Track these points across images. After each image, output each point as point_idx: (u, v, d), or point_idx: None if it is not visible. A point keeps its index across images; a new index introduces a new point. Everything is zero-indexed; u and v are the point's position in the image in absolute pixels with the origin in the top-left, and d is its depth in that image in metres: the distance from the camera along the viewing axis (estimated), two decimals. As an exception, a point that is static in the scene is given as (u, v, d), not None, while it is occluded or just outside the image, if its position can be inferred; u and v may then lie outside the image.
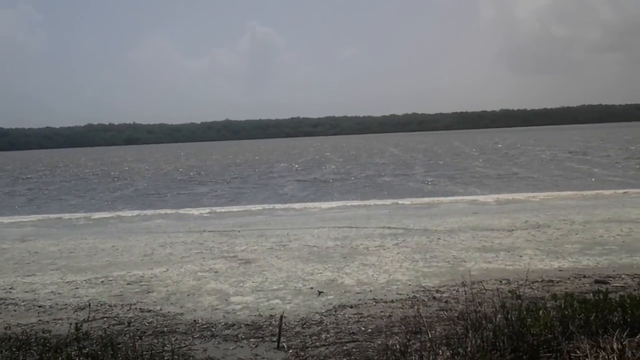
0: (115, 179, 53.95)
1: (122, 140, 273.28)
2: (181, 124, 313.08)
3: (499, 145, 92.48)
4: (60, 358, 5.62)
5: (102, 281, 10.61)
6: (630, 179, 33.92)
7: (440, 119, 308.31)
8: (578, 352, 5.02)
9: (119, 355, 5.72)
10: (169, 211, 26.61)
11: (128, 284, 10.32)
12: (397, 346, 5.73)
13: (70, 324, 7.22)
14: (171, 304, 8.77)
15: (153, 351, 6.26)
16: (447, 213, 20.16)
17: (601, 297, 6.10)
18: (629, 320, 5.78)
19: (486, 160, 57.35)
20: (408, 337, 6.23)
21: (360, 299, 8.48)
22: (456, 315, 7.10)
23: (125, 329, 7.45)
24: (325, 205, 26.79)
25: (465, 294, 7.70)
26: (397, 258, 11.48)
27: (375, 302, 8.29)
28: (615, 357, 4.71)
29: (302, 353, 6.18)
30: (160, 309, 8.46)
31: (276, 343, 6.52)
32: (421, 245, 12.77)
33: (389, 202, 26.90)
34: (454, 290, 8.70)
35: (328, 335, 6.79)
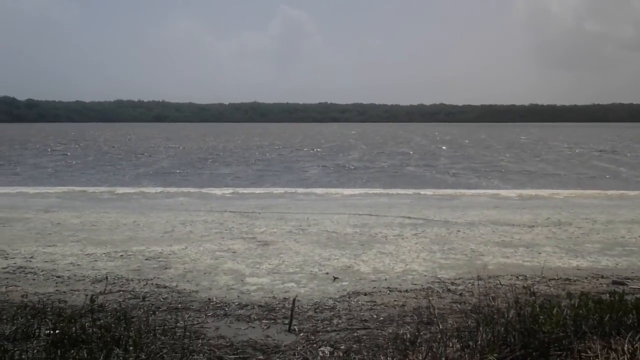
0: (140, 156, 54.36)
1: (151, 117, 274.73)
2: (209, 104, 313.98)
3: (526, 140, 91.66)
4: (73, 328, 5.68)
5: (121, 255, 10.72)
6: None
7: (469, 110, 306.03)
8: (589, 352, 4.98)
9: (132, 328, 5.78)
10: (192, 190, 26.77)
11: (146, 259, 10.41)
12: (407, 335, 5.74)
13: (87, 296, 7.29)
14: (187, 281, 8.84)
15: (165, 326, 6.33)
16: (468, 206, 20.05)
17: (617, 298, 6.04)
18: (643, 323, 5.72)
19: (512, 155, 56.90)
20: (419, 327, 6.22)
21: (374, 287, 8.48)
22: (469, 308, 7.08)
23: (140, 304, 7.53)
24: (347, 191, 26.81)
25: (480, 287, 7.66)
26: (414, 248, 11.45)
27: (390, 290, 8.28)
28: (626, 359, 4.67)
29: (313, 337, 6.20)
30: (176, 286, 8.53)
31: (288, 326, 6.55)
32: (440, 237, 12.73)
33: (411, 192, 26.81)
34: (469, 283, 8.66)
35: (340, 321, 6.81)
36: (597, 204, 20.84)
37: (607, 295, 6.27)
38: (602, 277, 9.16)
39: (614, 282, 8.69)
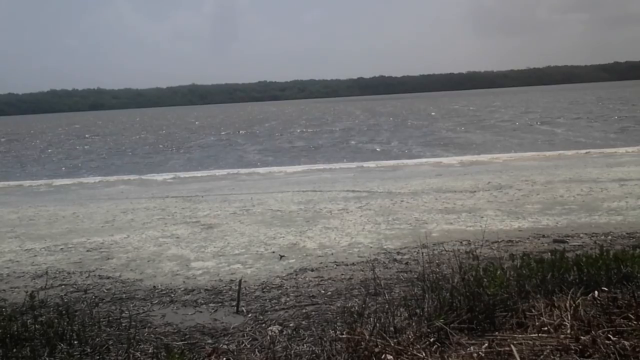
0: (78, 147, 53.15)
1: (87, 106, 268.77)
2: (146, 89, 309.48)
3: (470, 108, 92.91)
4: (15, 326, 5.50)
5: (62, 248, 10.45)
6: (592, 139, 34.35)
7: (408, 81, 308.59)
8: (533, 310, 5.05)
9: (75, 322, 5.65)
10: (131, 177, 26.33)
11: (88, 250, 10.17)
12: (355, 308, 5.74)
13: (27, 292, 7.09)
14: (131, 270, 8.67)
15: (110, 318, 6.20)
16: (411, 175, 20.22)
17: (558, 256, 6.15)
18: (584, 278, 5.84)
19: (451, 123, 57.60)
20: (366, 299, 6.23)
21: (321, 263, 8.46)
22: (415, 276, 7.12)
23: (83, 296, 7.35)
24: (290, 169, 26.74)
25: (425, 255, 7.72)
26: (359, 221, 11.48)
27: (336, 265, 8.28)
28: (569, 315, 4.75)
29: (261, 317, 6.15)
30: (120, 276, 8.36)
31: (235, 307, 6.48)
32: (384, 208, 12.79)
33: (353, 165, 26.93)
34: (414, 252, 8.71)
35: (288, 299, 6.77)
36: (536, 165, 21.28)
37: (549, 254, 6.39)
38: (543, 236, 9.34)
39: (555, 241, 8.87)
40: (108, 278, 8.26)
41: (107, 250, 10.13)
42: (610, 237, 9.01)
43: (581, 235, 9.27)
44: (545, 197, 13.01)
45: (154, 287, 7.68)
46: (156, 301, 7.03)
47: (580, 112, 62.37)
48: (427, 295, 5.44)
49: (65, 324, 5.53)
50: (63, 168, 34.07)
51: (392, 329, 4.85)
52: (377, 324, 4.84)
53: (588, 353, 4.15)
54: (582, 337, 4.35)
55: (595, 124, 46.27)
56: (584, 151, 27.18)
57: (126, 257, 9.53)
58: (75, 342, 5.30)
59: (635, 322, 4.54)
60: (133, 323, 5.89)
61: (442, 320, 4.85)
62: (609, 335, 4.36)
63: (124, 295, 7.35)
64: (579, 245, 8.51)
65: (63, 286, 7.93)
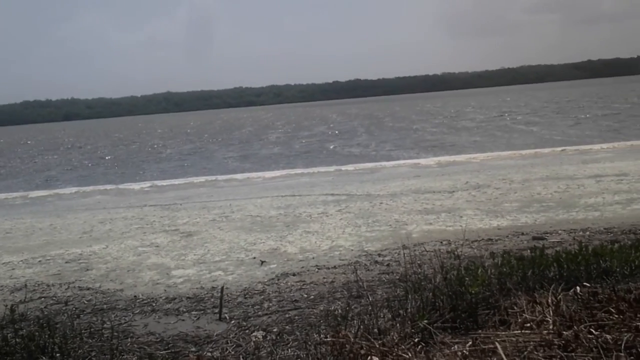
0: (52, 158, 52.64)
1: (61, 116, 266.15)
2: (121, 98, 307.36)
3: (446, 109, 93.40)
4: (-6, 341, 5.42)
5: (40, 261, 10.33)
6: (568, 136, 34.70)
7: (383, 84, 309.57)
8: (515, 307, 5.08)
9: (57, 334, 5.57)
10: (108, 187, 26.15)
11: (66, 262, 10.06)
12: (339, 311, 5.74)
13: (6, 306, 6.99)
14: (111, 280, 8.59)
15: (92, 329, 6.14)
16: (389, 177, 20.29)
17: (538, 253, 6.20)
18: (564, 274, 5.90)
19: (428, 125, 57.86)
20: (349, 301, 6.24)
21: (303, 267, 8.45)
22: (397, 277, 7.14)
23: (64, 308, 7.26)
24: (268, 174, 26.71)
25: (406, 256, 7.73)
26: (339, 224, 11.48)
27: (318, 269, 8.27)
28: (550, 311, 4.78)
29: (244, 323, 6.12)
30: (100, 287, 8.28)
31: (218, 315, 6.45)
32: (364, 211, 12.81)
33: (332, 169, 26.97)
34: (395, 253, 8.73)
35: (270, 304, 6.75)
36: (512, 164, 21.45)
37: (528, 251, 6.45)
38: (522, 234, 9.41)
39: (534, 238, 8.94)
40: (88, 289, 8.18)
41: (86, 261, 10.03)
42: (588, 232, 9.10)
43: (560, 231, 9.36)
44: (523, 195, 13.11)
45: (135, 296, 7.62)
46: (138, 311, 6.97)
47: (555, 111, 62.97)
48: (409, 296, 5.44)
49: (46, 336, 5.44)
50: (38, 180, 33.68)
51: (376, 330, 4.84)
52: (361, 326, 4.84)
53: (571, 348, 4.18)
54: (564, 332, 4.38)
55: (570, 121, 46.74)
56: (559, 149, 27.45)
57: (105, 267, 9.44)
58: (58, 354, 5.22)
59: (616, 316, 4.59)
60: (115, 334, 5.82)
61: (425, 321, 4.87)
62: (591, 330, 4.39)
63: (105, 306, 7.28)
64: (557, 241, 8.58)
65: (43, 299, 7.83)
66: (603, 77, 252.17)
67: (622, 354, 3.90)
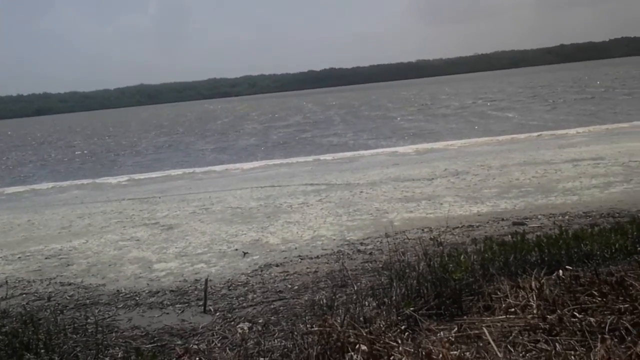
0: (28, 153, 52.05)
1: (33, 111, 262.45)
2: (94, 91, 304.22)
3: (422, 96, 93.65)
4: (-23, 339, 5.37)
5: (19, 257, 10.22)
6: (544, 121, 34.97)
7: (359, 72, 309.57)
8: (499, 293, 5.13)
9: (41, 330, 5.53)
10: (85, 181, 25.90)
11: (46, 258, 9.98)
12: (324, 300, 5.76)
13: (-13, 304, 6.94)
14: (92, 275, 8.54)
15: (76, 324, 6.11)
16: (368, 166, 20.32)
17: (519, 238, 6.27)
18: (545, 259, 5.97)
19: (405, 112, 58.00)
20: (334, 291, 6.26)
21: (285, 257, 8.45)
22: (381, 266, 7.17)
23: (46, 304, 7.21)
24: (247, 165, 26.63)
25: (389, 244, 7.77)
26: (320, 214, 11.50)
27: (301, 259, 8.28)
28: (534, 295, 4.83)
29: (230, 315, 6.12)
30: (82, 282, 8.22)
31: (202, 307, 6.44)
32: (344, 200, 12.83)
33: (310, 158, 26.95)
34: (377, 241, 8.77)
35: (255, 295, 6.75)
36: (490, 150, 21.59)
37: (509, 236, 6.50)
38: (503, 219, 9.49)
39: (514, 223, 9.02)
40: (70, 284, 8.12)
41: (66, 256, 9.95)
42: (567, 217, 9.21)
43: (539, 216, 9.45)
44: (502, 181, 13.22)
45: (118, 291, 7.58)
46: (121, 305, 6.94)
47: (530, 96, 63.41)
48: (394, 284, 5.47)
49: (30, 333, 5.41)
50: (12, 176, 33.26)
51: (362, 319, 4.87)
52: (347, 315, 4.86)
53: (555, 331, 4.24)
54: (548, 316, 4.44)
55: (545, 106, 47.11)
56: (536, 134, 27.66)
57: (86, 262, 9.38)
58: (42, 351, 5.20)
59: (599, 299, 4.65)
60: (99, 328, 5.80)
61: (411, 308, 4.90)
62: (575, 313, 4.45)
63: (88, 301, 7.24)
64: (537, 226, 8.67)
65: (24, 295, 7.77)
66: (576, 62, 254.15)
67: (607, 336, 3.96)
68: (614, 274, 5.12)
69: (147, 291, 7.44)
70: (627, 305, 4.43)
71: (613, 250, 6.11)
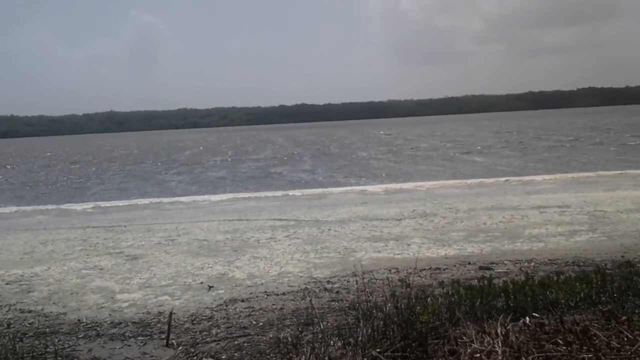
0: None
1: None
2: (62, 116, 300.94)
3: (392, 136, 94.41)
4: None
5: (-22, 282, 9.99)
6: (511, 167, 35.45)
7: (330, 109, 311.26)
8: (464, 337, 5.13)
9: (-2, 359, 5.40)
10: (49, 207, 25.51)
11: (7, 283, 9.77)
12: (289, 338, 5.70)
13: (-58, 329, 6.75)
14: (53, 303, 8.37)
15: (35, 353, 5.99)
16: (337, 203, 20.33)
17: (485, 283, 6.30)
18: (511, 305, 5.99)
19: (374, 152, 58.41)
20: (300, 329, 6.21)
21: (251, 293, 8.39)
22: (347, 305, 7.15)
23: (5, 331, 7.04)
24: (214, 198, 26.47)
25: (356, 284, 7.76)
26: (288, 250, 11.45)
27: (267, 295, 8.23)
28: (499, 342, 4.83)
29: (192, 349, 6.03)
30: (42, 309, 8.06)
31: (165, 340, 6.33)
32: (312, 237, 12.81)
33: (279, 193, 26.90)
34: (345, 280, 8.75)
35: (219, 331, 6.67)
36: (458, 193, 21.76)
37: (476, 280, 6.53)
38: (469, 263, 9.54)
39: (481, 268, 9.07)
40: (30, 312, 7.96)
41: (27, 282, 9.75)
42: (533, 263, 9.29)
43: (505, 262, 9.52)
44: (469, 225, 13.31)
45: (79, 320, 7.44)
46: (82, 335, 6.81)
47: (499, 141, 64.33)
48: (360, 324, 5.44)
49: (-14, 361, 5.28)
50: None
51: (327, 358, 4.83)
52: (312, 355, 4.82)
53: (520, 379, 4.24)
54: (514, 363, 4.44)
55: (513, 152, 47.84)
56: (503, 179, 27.96)
57: (48, 289, 9.20)
58: (-2, 380, 5.06)
59: (563, 348, 4.67)
60: (59, 358, 5.68)
61: (377, 349, 4.87)
62: (539, 361, 4.46)
63: (48, 329, 7.09)
64: (504, 271, 8.73)
65: (-19, 321, 7.58)
66: (544, 109, 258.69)
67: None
68: (578, 323, 5.14)
69: (109, 322, 7.30)
70: (590, 356, 4.46)
71: (578, 299, 6.15)
